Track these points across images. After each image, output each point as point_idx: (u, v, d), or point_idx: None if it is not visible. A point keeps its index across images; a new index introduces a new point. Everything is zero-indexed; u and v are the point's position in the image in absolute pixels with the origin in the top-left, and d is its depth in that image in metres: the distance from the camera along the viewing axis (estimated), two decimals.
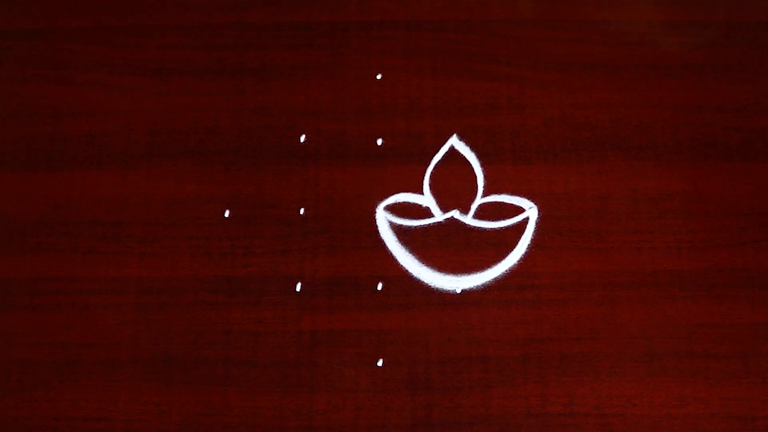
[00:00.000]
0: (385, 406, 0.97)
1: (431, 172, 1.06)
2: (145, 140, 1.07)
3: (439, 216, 1.04)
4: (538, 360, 0.99)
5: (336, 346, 0.99)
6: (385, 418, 0.97)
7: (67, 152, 1.07)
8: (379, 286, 1.01)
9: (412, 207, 1.05)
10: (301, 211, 1.04)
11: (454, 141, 1.07)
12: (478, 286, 1.01)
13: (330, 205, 1.04)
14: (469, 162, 1.06)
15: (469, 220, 1.04)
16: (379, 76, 1.09)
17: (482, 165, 1.06)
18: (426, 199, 1.05)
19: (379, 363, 0.99)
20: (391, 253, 1.03)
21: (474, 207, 1.04)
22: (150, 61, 1.10)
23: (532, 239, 1.03)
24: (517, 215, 1.04)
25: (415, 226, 1.04)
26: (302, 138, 1.07)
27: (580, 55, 1.10)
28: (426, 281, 1.02)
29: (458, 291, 1.01)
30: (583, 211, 1.04)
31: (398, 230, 1.04)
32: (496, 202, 1.05)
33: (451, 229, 1.04)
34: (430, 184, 1.05)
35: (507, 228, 1.04)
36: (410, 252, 1.03)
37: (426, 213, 1.04)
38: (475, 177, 1.05)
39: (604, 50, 1.09)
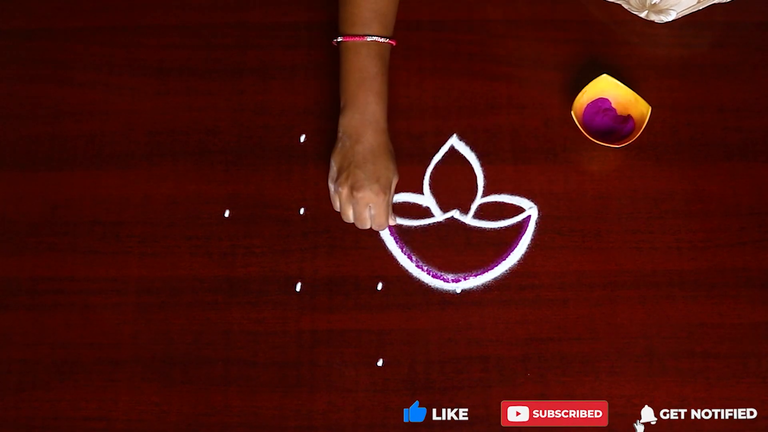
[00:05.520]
0: (385, 406, 0.97)
1: (431, 172, 1.06)
2: (145, 140, 1.07)
3: (439, 216, 1.04)
4: (538, 360, 0.99)
5: (336, 346, 0.99)
6: (385, 418, 0.97)
7: (67, 152, 1.07)
8: (379, 286, 1.01)
9: (412, 207, 1.05)
10: (301, 211, 1.04)
11: (454, 141, 1.07)
12: (478, 286, 1.01)
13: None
14: (469, 162, 1.06)
15: (469, 220, 1.04)
16: None
17: (482, 165, 1.06)
18: (426, 199, 1.05)
19: (379, 363, 0.99)
20: (391, 253, 1.03)
21: (474, 207, 1.04)
22: (150, 61, 1.10)
23: (532, 239, 1.03)
24: (517, 215, 1.04)
25: (415, 226, 1.04)
26: (302, 138, 1.07)
27: (580, 55, 1.10)
28: (426, 281, 1.02)
29: (458, 291, 1.01)
30: (583, 211, 1.04)
31: (398, 230, 1.03)
32: (496, 202, 1.04)
33: (451, 229, 1.04)
34: (430, 184, 1.05)
35: (507, 228, 1.03)
36: (410, 252, 1.03)
37: (426, 213, 1.04)
38: (475, 177, 1.05)
39: (605, 50, 1.09)
